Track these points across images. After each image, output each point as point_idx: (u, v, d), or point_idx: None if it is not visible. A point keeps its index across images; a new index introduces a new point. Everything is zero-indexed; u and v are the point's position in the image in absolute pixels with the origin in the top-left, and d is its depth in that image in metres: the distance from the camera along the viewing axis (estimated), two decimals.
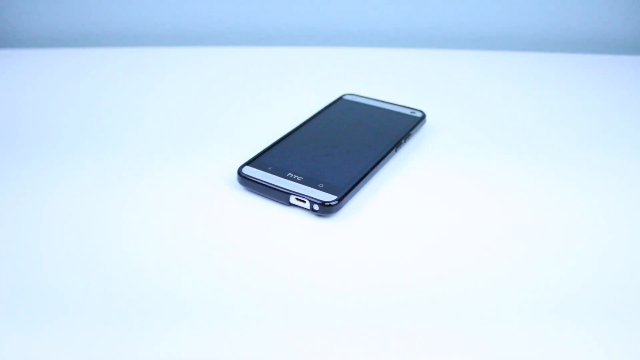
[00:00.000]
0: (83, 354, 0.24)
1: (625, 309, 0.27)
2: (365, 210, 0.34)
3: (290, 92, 0.51)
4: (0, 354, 0.24)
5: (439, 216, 0.34)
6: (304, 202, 0.33)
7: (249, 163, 0.36)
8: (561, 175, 0.38)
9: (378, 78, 0.54)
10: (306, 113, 0.44)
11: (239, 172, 0.35)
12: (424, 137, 0.43)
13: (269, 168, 0.35)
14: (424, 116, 0.43)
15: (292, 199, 0.33)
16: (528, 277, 0.29)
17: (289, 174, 0.35)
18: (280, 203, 0.34)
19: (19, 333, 0.25)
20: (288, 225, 0.33)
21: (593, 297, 0.28)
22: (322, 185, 0.34)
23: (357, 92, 0.48)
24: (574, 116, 0.47)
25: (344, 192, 0.33)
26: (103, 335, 0.25)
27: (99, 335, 0.25)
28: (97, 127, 0.44)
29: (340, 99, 0.47)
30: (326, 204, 0.32)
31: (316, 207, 0.32)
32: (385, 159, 0.38)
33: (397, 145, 0.39)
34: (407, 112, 0.44)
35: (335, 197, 0.33)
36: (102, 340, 0.25)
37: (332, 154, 0.38)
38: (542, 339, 0.25)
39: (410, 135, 0.41)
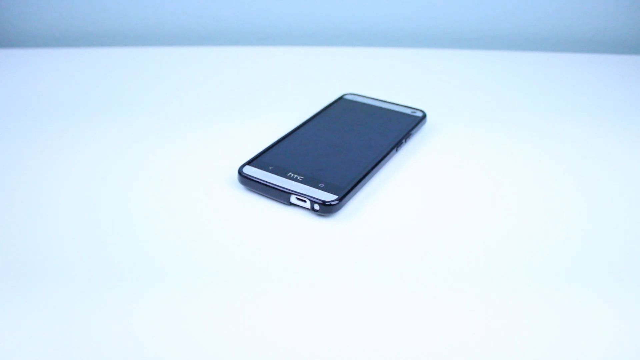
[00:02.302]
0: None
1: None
2: (365, 209, 0.34)
3: (290, 92, 0.51)
4: None
5: (440, 215, 0.34)
6: (305, 201, 0.33)
7: (249, 163, 0.36)
8: (562, 175, 0.38)
9: (378, 78, 0.54)
10: (306, 113, 0.44)
11: (240, 172, 0.35)
12: (424, 136, 0.43)
13: (270, 168, 0.35)
14: (424, 116, 0.43)
15: (293, 199, 0.33)
16: (528, 279, 0.29)
17: (290, 173, 0.35)
18: (281, 203, 0.34)
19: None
20: (288, 225, 0.33)
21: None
22: (323, 185, 0.34)
23: (357, 92, 0.48)
24: (574, 116, 0.47)
25: (345, 192, 0.33)
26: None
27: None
28: (97, 127, 0.44)
29: (340, 98, 0.47)
30: (327, 203, 0.32)
31: (317, 206, 0.32)
32: (386, 158, 0.38)
33: (397, 144, 0.39)
34: (408, 111, 0.44)
35: (335, 197, 0.33)
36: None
37: (333, 153, 0.38)
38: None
39: (410, 135, 0.41)
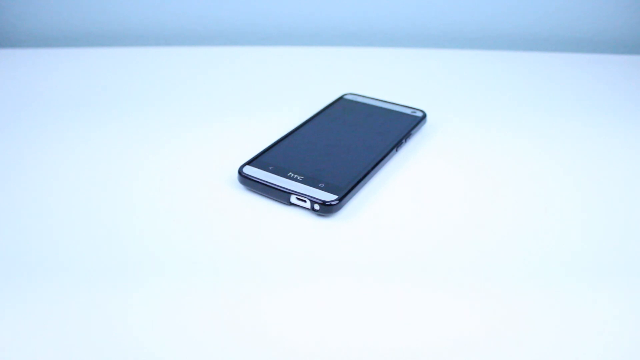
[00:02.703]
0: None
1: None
2: (365, 209, 0.34)
3: (290, 92, 0.51)
4: None
5: (440, 215, 0.34)
6: (305, 201, 0.33)
7: (249, 162, 0.36)
8: (562, 174, 0.38)
9: (378, 78, 0.54)
10: (306, 113, 0.44)
11: (240, 172, 0.35)
12: (424, 136, 0.43)
13: (270, 167, 0.35)
14: (424, 116, 0.43)
15: (293, 199, 0.33)
16: (529, 277, 0.29)
17: (290, 173, 0.35)
18: (281, 203, 0.34)
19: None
20: (288, 225, 0.33)
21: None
22: (323, 185, 0.34)
23: (357, 92, 0.48)
24: (574, 116, 0.47)
25: (345, 192, 0.33)
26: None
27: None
28: (97, 126, 0.44)
29: (340, 98, 0.47)
30: (327, 203, 0.32)
31: (317, 206, 0.32)
32: (386, 158, 0.38)
33: (397, 144, 0.39)
34: (408, 111, 0.44)
35: (335, 197, 0.33)
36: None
37: (333, 153, 0.38)
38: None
39: (410, 134, 0.41)
